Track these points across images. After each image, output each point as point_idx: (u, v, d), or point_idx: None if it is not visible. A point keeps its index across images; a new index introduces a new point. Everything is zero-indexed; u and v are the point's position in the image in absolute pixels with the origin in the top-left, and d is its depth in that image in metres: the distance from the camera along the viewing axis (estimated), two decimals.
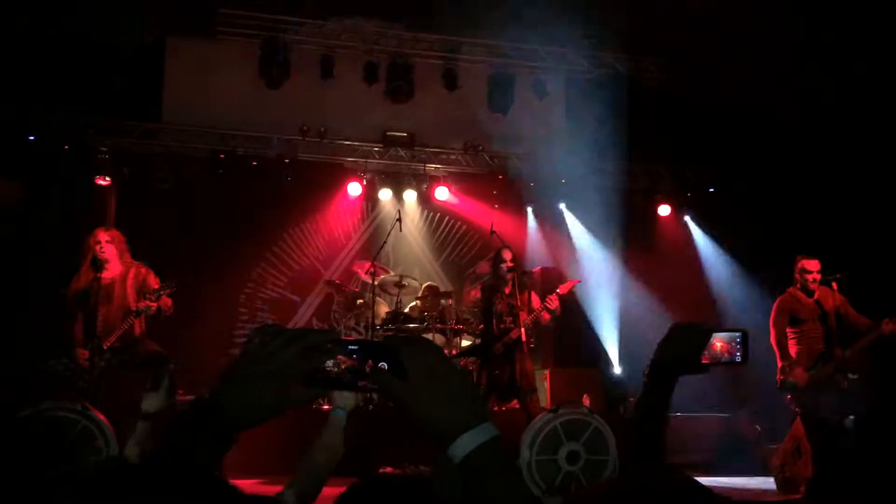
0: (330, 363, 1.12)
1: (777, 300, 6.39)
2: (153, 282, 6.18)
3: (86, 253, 6.11)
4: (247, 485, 3.08)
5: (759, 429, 7.86)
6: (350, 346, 1.11)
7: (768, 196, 9.38)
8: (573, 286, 6.98)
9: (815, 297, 6.19)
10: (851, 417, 5.77)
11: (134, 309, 6.03)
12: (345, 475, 1.73)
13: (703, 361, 1.75)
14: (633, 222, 10.47)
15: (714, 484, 6.07)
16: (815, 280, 6.18)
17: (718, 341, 1.80)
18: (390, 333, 8.09)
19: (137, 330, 6.17)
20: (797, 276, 6.30)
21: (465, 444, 1.02)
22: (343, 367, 1.11)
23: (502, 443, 1.04)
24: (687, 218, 10.66)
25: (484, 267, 8.99)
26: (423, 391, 1.05)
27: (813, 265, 6.23)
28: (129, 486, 0.94)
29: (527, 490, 1.09)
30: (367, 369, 1.10)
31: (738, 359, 1.81)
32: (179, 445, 1.03)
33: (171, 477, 0.97)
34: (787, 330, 6.24)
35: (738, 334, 1.81)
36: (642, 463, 1.65)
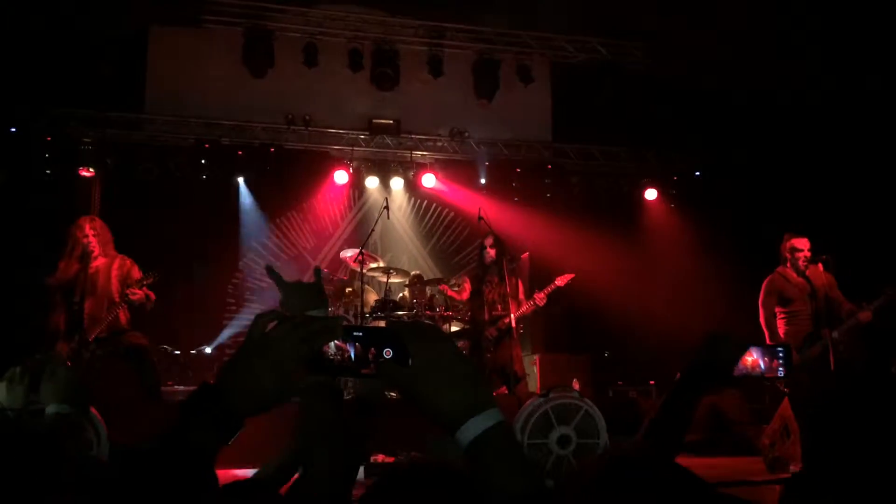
0: (333, 350, 1.12)
1: (765, 280, 6.38)
2: (137, 274, 6.18)
3: (73, 245, 6.06)
4: (243, 474, 3.07)
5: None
6: (354, 333, 1.11)
7: (754, 178, 9.42)
8: (569, 280, 6.97)
9: (806, 275, 6.17)
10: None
11: (117, 300, 6.02)
12: None
13: (735, 375, 1.69)
14: (620, 206, 10.51)
15: (701, 465, 6.10)
16: (805, 258, 6.17)
17: (754, 355, 1.72)
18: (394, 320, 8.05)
19: (123, 319, 6.17)
20: (787, 254, 6.29)
21: (471, 430, 1.02)
22: (347, 353, 1.11)
23: (508, 428, 1.04)
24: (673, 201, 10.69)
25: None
26: (428, 377, 1.05)
27: (803, 243, 6.22)
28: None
29: (533, 473, 1.07)
30: (371, 356, 1.09)
31: (781, 373, 1.75)
32: (181, 429, 1.02)
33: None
34: (777, 310, 6.24)
35: (780, 348, 1.76)
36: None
